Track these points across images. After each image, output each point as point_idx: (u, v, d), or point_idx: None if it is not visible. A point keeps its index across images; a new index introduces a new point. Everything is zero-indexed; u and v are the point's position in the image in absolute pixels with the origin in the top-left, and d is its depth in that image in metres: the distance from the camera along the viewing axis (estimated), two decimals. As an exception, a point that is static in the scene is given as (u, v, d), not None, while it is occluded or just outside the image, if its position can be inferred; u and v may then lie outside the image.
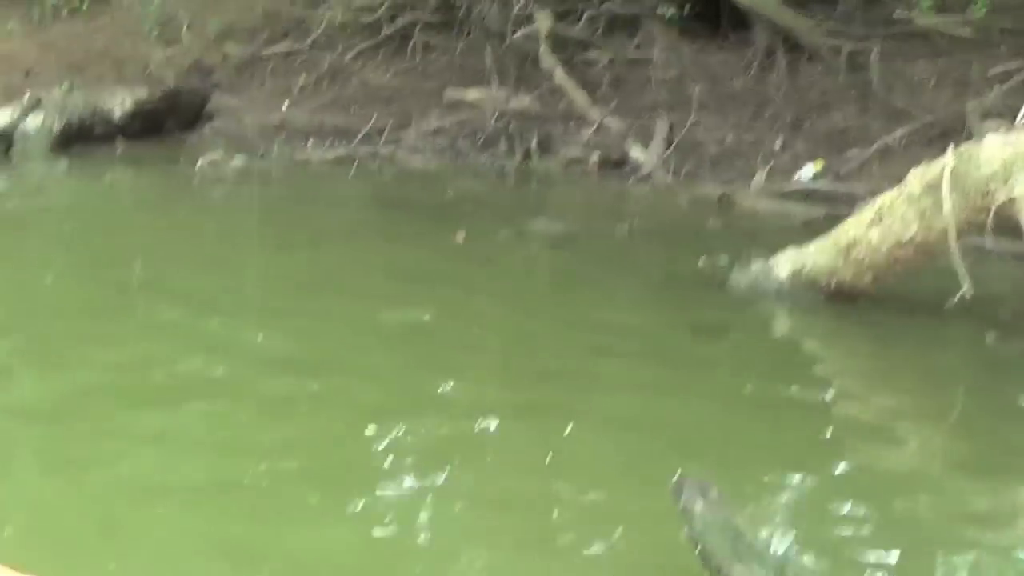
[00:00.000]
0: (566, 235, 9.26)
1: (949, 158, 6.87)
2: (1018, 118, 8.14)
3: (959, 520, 5.11)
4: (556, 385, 6.63)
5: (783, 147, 10.36)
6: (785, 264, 7.49)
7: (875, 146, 9.86)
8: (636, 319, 7.69)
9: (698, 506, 4.08)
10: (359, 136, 10.88)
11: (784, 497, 5.35)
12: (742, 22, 11.61)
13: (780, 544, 4.41)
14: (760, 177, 9.85)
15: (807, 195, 9.56)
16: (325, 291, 7.87)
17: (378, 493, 5.32)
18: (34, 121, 11.01)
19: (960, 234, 6.75)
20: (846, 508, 5.11)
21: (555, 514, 5.13)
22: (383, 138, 10.93)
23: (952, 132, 9.44)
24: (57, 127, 10.93)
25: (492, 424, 6.17)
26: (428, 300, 7.78)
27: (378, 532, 4.84)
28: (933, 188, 6.85)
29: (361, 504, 5.15)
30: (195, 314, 7.17)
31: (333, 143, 11.00)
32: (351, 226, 9.60)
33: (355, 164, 10.60)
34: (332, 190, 10.40)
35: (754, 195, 9.74)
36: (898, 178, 8.22)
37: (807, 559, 4.39)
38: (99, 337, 6.72)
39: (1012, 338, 7.09)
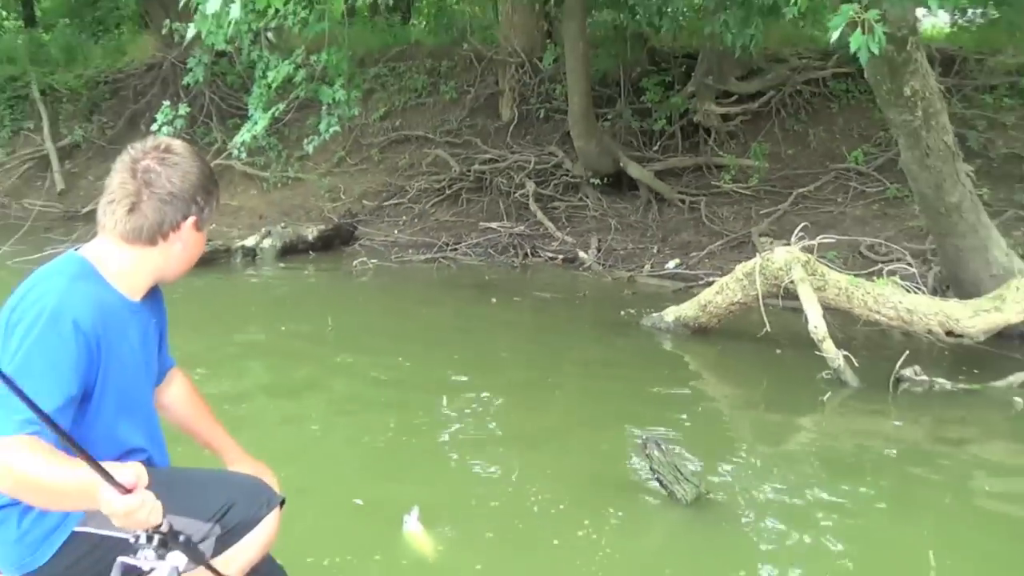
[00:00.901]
0: (550, 299, 13.00)
1: (758, 259, 10.00)
2: (793, 237, 10.44)
3: (758, 441, 7.70)
4: (537, 373, 9.79)
5: (658, 251, 14.73)
6: (670, 314, 10.89)
7: (704, 251, 14.21)
8: (584, 341, 11.13)
9: (655, 451, 6.04)
10: (435, 248, 15.44)
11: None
12: (634, 186, 16.25)
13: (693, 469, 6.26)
14: (648, 267, 14.16)
15: (672, 276, 13.73)
16: (423, 330, 11.36)
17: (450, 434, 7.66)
18: (266, 242, 15.39)
19: (764, 298, 9.83)
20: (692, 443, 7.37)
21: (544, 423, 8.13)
22: (448, 249, 15.49)
23: (744, 243, 14.30)
24: (278, 245, 15.29)
25: (498, 396, 8.76)
26: (475, 330, 11.46)
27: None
28: (749, 274, 9.97)
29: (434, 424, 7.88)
30: (340, 347, 10.59)
31: (423, 251, 15.46)
32: (436, 296, 13.43)
33: (436, 264, 14.93)
34: (425, 277, 14.32)
35: (645, 277, 13.91)
36: (718, 268, 13.16)
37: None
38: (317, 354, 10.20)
39: (788, 351, 9.92)
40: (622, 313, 12.02)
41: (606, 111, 17.81)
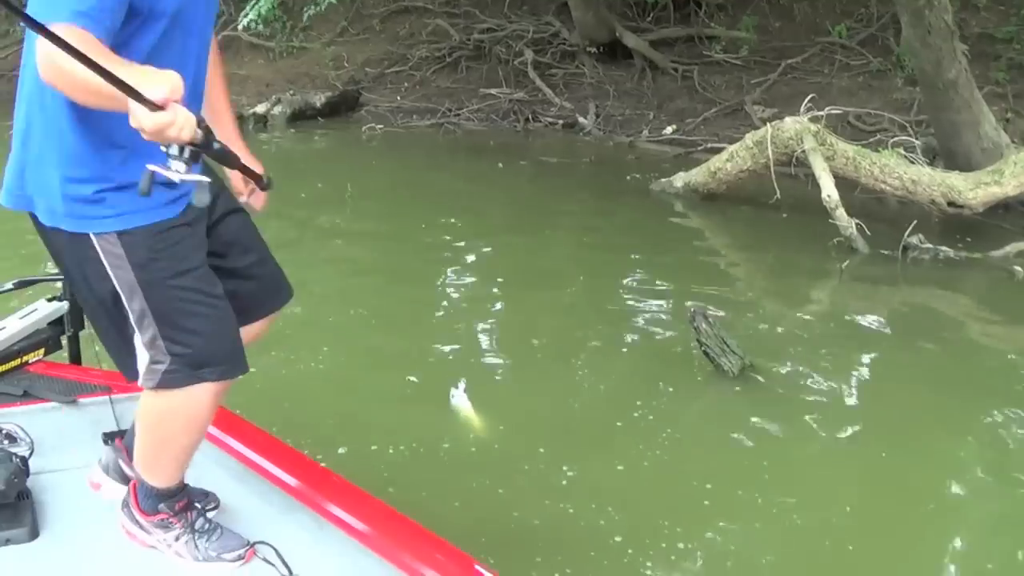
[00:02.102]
0: (556, 163, 13.43)
1: (768, 128, 10.32)
2: (802, 108, 10.75)
3: (784, 306, 8.08)
4: (535, 223, 10.55)
5: (654, 118, 15.25)
6: (679, 180, 11.26)
7: (700, 118, 14.73)
8: (599, 204, 11.52)
9: (703, 324, 6.12)
10: (439, 114, 15.95)
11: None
12: (629, 55, 16.62)
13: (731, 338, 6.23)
14: (646, 132, 14.74)
15: (670, 142, 14.32)
16: (427, 188, 11.95)
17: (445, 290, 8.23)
18: (277, 109, 15.84)
19: (774, 166, 10.24)
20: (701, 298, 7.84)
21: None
22: (451, 114, 16.02)
23: (737, 111, 14.84)
24: (288, 112, 15.77)
25: (495, 239, 9.61)
26: (481, 186, 12.17)
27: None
28: (759, 143, 10.33)
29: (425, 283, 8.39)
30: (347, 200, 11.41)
31: (426, 117, 15.95)
32: (442, 159, 14.08)
33: (441, 129, 15.53)
34: (430, 142, 14.85)
35: (644, 142, 14.47)
36: (714, 134, 13.95)
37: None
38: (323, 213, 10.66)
39: (795, 216, 10.28)
40: (628, 178, 12.42)
41: (604, -18, 17.60)
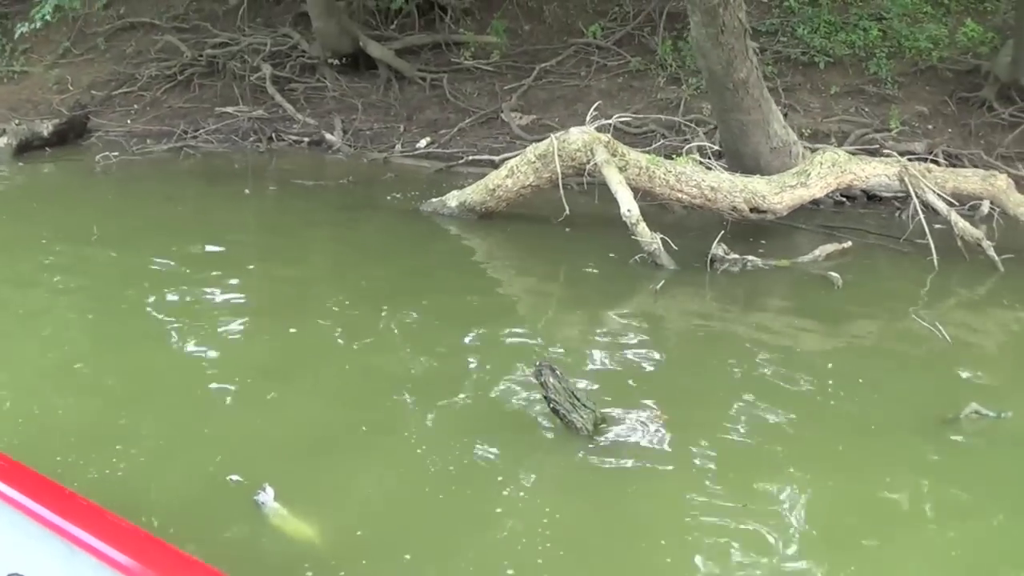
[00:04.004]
0: (313, 186, 12.63)
1: (554, 140, 9.96)
2: (588, 116, 10.57)
3: (596, 333, 7.70)
4: (295, 259, 9.72)
5: (405, 130, 14.90)
6: (453, 199, 10.71)
7: (455, 128, 14.47)
8: (368, 231, 10.82)
9: (551, 379, 5.60)
10: (175, 137, 15.01)
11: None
12: (374, 65, 16.22)
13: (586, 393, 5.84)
14: (399, 147, 14.29)
15: (426, 156, 14.00)
16: (172, 221, 11.00)
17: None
18: (1, 141, 14.70)
19: (563, 179, 9.90)
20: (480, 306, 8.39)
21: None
22: (189, 136, 15.10)
23: (493, 119, 14.68)
24: (14, 144, 14.67)
25: (253, 281, 8.92)
26: (229, 217, 11.31)
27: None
28: (542, 156, 9.98)
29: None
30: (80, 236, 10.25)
31: (163, 141, 14.99)
32: (184, 187, 13.05)
33: (180, 152, 14.55)
34: (170, 168, 13.93)
35: (399, 157, 14.02)
36: (472, 145, 13.79)
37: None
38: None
39: (582, 232, 10.03)
40: (388, 198, 11.91)
41: (343, -10, 17.43)
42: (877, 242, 10.39)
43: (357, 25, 16.61)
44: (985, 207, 10.60)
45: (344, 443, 5.75)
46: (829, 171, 10.03)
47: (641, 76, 14.95)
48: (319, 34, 16.27)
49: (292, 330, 7.54)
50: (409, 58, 16.53)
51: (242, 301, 8.44)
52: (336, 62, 16.63)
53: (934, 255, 9.47)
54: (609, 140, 9.91)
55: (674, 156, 10.47)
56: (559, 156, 9.88)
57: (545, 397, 5.68)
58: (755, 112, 10.64)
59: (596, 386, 6.40)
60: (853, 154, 10.78)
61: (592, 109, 10.72)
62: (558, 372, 5.69)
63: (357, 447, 5.72)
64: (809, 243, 9.91)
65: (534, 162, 10.14)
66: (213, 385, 6.54)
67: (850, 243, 9.84)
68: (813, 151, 10.93)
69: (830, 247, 9.60)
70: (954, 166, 11.54)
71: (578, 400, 5.66)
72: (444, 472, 5.38)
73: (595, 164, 9.69)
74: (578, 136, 9.94)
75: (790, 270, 9.25)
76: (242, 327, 7.67)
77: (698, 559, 4.66)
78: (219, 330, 7.50)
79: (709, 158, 10.52)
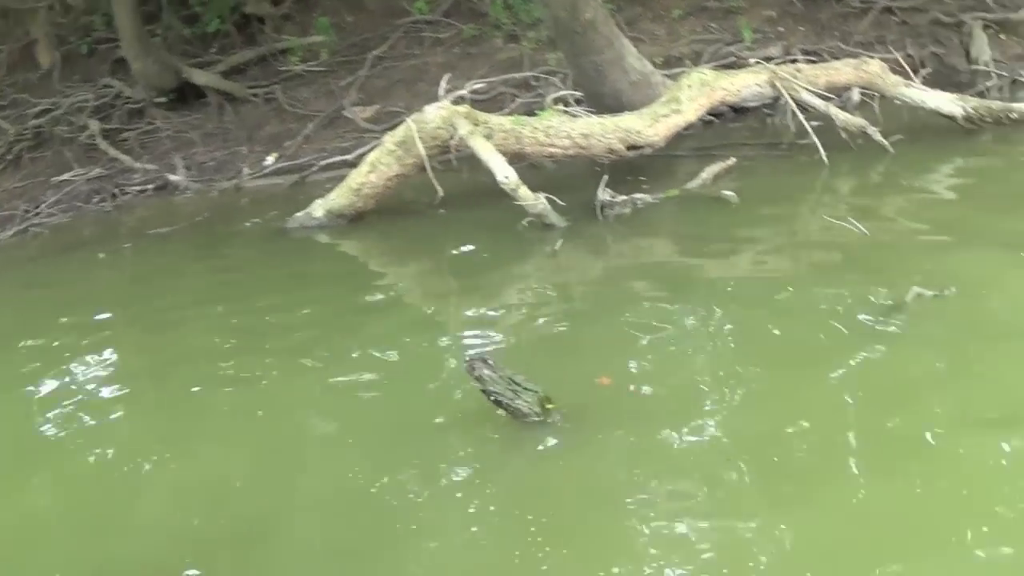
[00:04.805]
0: (169, 233, 11.78)
1: (411, 123, 9.47)
2: (440, 91, 10.44)
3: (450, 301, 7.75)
4: (166, 312, 8.77)
5: (249, 152, 14.39)
6: (318, 209, 10.08)
7: (299, 137, 14.05)
8: (240, 264, 10.27)
9: (485, 371, 5.16)
10: (17, 219, 13.74)
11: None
12: (201, 94, 15.74)
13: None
14: (246, 171, 13.75)
15: (277, 172, 13.44)
16: (26, 310, 10.03)
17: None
18: None
19: (430, 162, 9.42)
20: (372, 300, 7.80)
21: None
22: (31, 215, 13.86)
23: (337, 118, 14.25)
24: None
25: (125, 348, 8.09)
26: (87, 286, 10.37)
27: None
28: (402, 143, 9.48)
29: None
30: None
31: (6, 227, 13.66)
32: (36, 270, 11.74)
33: (27, 234, 13.32)
34: (19, 254, 12.69)
35: (250, 180, 13.49)
36: (322, 149, 13.31)
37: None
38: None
39: (454, 210, 9.68)
40: (247, 224, 11.38)
41: (153, 26, 16.83)
42: (759, 152, 10.31)
43: (176, 57, 16.11)
44: (856, 95, 10.56)
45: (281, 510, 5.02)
46: (699, 92, 9.75)
47: (478, 42, 14.63)
48: (140, 75, 15.71)
49: (184, 391, 6.74)
50: (237, 78, 16.01)
51: (115, 371, 7.61)
52: (163, 100, 15.94)
53: (822, 153, 9.37)
54: (468, 111, 9.49)
55: (537, 112, 10.13)
56: (420, 138, 9.40)
57: (484, 391, 5.21)
58: (608, 50, 10.40)
59: (525, 364, 5.67)
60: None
61: (444, 82, 10.43)
62: (491, 362, 5.25)
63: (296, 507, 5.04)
64: (690, 168, 9.68)
65: (394, 151, 9.66)
66: (107, 463, 5.82)
67: (734, 160, 9.65)
68: (674, 78, 10.72)
69: (715, 167, 9.41)
70: (795, 62, 11.46)
71: (519, 385, 5.21)
72: (399, 505, 4.80)
73: (460, 138, 9.28)
74: (435, 113, 9.49)
75: (682, 198, 9.02)
76: (123, 399, 6.86)
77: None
78: (94, 412, 6.67)
79: (571, 106, 10.27)
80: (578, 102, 10.71)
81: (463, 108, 9.55)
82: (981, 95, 11.21)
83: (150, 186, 14.24)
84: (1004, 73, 12.30)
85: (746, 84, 10.00)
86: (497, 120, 9.60)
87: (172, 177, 14.17)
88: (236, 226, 11.53)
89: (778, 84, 9.78)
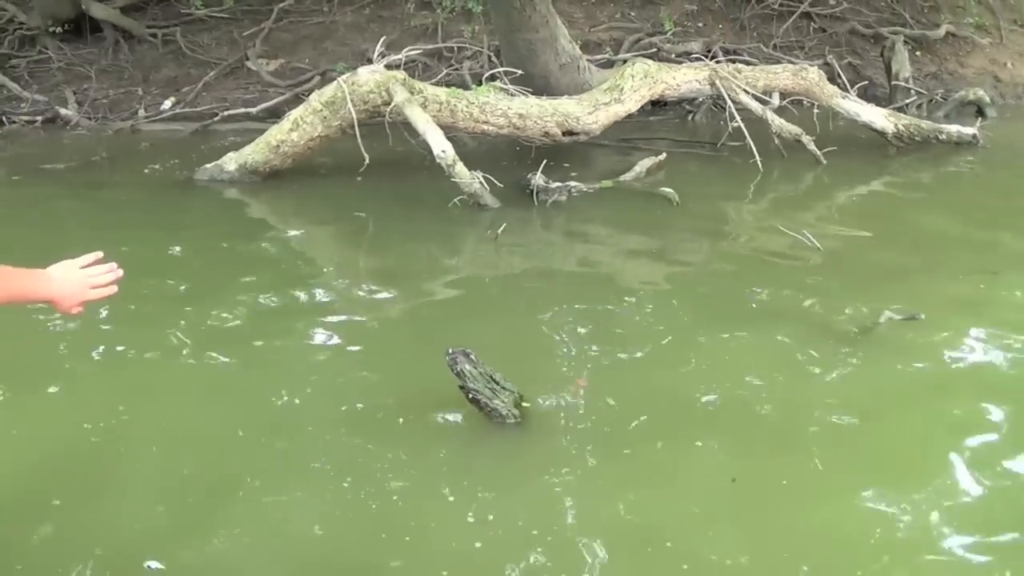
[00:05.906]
0: (65, 168, 11.06)
1: (343, 83, 9.13)
2: (375, 55, 9.83)
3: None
4: (44, 233, 8.38)
5: (144, 93, 14.08)
6: (231, 163, 9.60)
7: (199, 84, 13.74)
8: (148, 212, 9.20)
9: (466, 366, 4.89)
10: None
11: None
12: (98, 28, 15.26)
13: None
14: (142, 112, 13.47)
15: (175, 117, 13.21)
16: None
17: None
18: None
19: (359, 126, 9.08)
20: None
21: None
22: None
23: (239, 68, 14.14)
24: None
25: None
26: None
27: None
28: (329, 103, 9.16)
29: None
30: None
31: None
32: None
33: None
34: None
35: (146, 124, 13.16)
36: (222, 99, 13.11)
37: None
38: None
39: (376, 179, 9.24)
40: (146, 171, 10.65)
41: (55, -48, 15.80)
42: (689, 150, 10.36)
43: (77, -12, 15.26)
44: (776, 100, 10.58)
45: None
46: (642, 83, 9.74)
47: (389, 5, 14.42)
48: (36, 2, 15.21)
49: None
50: (136, 15, 15.53)
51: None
52: (58, 30, 15.36)
53: (757, 158, 9.44)
54: (405, 78, 9.25)
55: (475, 86, 10.07)
56: (351, 101, 9.08)
57: (462, 387, 4.89)
58: (543, 29, 10.31)
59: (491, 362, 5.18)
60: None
61: (379, 45, 10.04)
62: (473, 357, 4.94)
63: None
64: (613, 159, 9.82)
65: (321, 111, 9.29)
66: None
67: (665, 155, 9.68)
68: (599, 65, 10.89)
69: (648, 161, 9.41)
70: (734, 63, 11.34)
71: (497, 384, 4.94)
72: (367, 501, 4.28)
73: (396, 105, 8.97)
74: (369, 77, 9.19)
75: (617, 190, 8.95)
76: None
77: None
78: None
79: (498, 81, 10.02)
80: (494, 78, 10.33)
81: (400, 74, 9.28)
82: (901, 111, 11.38)
83: (39, 118, 13.65)
84: (923, 91, 12.58)
85: (687, 79, 10.03)
86: (432, 91, 9.39)
87: (63, 111, 13.69)
88: (137, 171, 10.79)
89: (718, 83, 9.85)
